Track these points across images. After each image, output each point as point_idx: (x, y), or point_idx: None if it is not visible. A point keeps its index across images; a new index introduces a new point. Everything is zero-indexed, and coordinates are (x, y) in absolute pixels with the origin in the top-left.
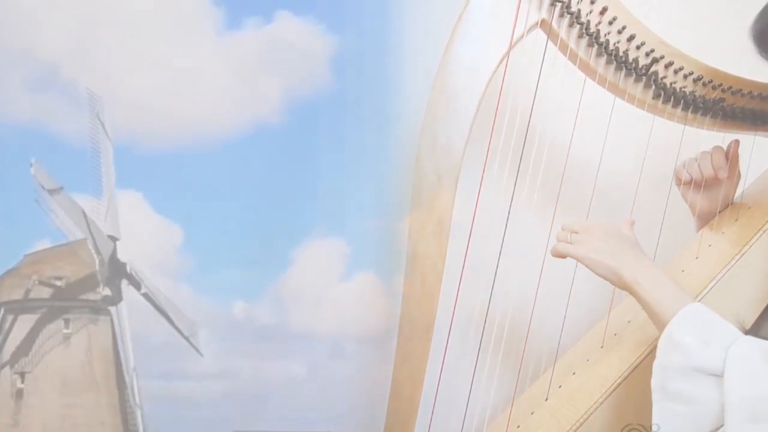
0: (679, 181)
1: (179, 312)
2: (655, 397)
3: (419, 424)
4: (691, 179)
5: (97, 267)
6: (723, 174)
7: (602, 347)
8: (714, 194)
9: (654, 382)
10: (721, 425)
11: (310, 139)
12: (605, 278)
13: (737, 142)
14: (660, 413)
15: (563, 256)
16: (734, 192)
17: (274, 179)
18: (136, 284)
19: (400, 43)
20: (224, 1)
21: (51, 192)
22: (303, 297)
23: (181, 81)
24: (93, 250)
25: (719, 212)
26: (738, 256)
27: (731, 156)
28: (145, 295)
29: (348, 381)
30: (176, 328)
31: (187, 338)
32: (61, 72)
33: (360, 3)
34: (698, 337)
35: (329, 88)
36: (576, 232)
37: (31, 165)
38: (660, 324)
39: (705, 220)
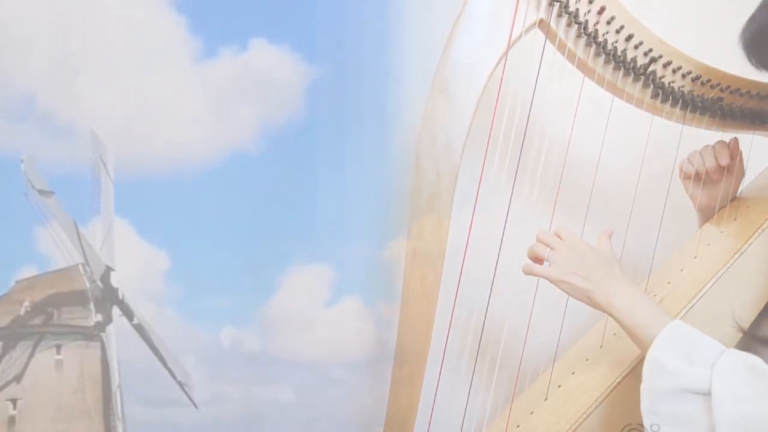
0: (682, 173)
1: (172, 356)
2: (647, 421)
3: (418, 423)
4: (693, 171)
5: (89, 293)
6: (724, 161)
7: (601, 347)
8: (715, 189)
9: (644, 406)
10: None
11: (294, 165)
12: (580, 301)
13: (736, 139)
14: None
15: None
16: (736, 188)
17: (258, 206)
18: (129, 314)
19: (400, 47)
20: (201, 30)
21: (41, 193)
22: (290, 322)
23: (158, 109)
24: (85, 275)
25: (719, 208)
26: (737, 255)
27: (732, 150)
28: (137, 327)
29: (337, 406)
30: (168, 369)
31: (180, 384)
32: (38, 101)
33: (359, 8)
34: (683, 358)
35: (306, 115)
36: (550, 248)
37: (21, 161)
38: (642, 345)
39: (705, 214)
